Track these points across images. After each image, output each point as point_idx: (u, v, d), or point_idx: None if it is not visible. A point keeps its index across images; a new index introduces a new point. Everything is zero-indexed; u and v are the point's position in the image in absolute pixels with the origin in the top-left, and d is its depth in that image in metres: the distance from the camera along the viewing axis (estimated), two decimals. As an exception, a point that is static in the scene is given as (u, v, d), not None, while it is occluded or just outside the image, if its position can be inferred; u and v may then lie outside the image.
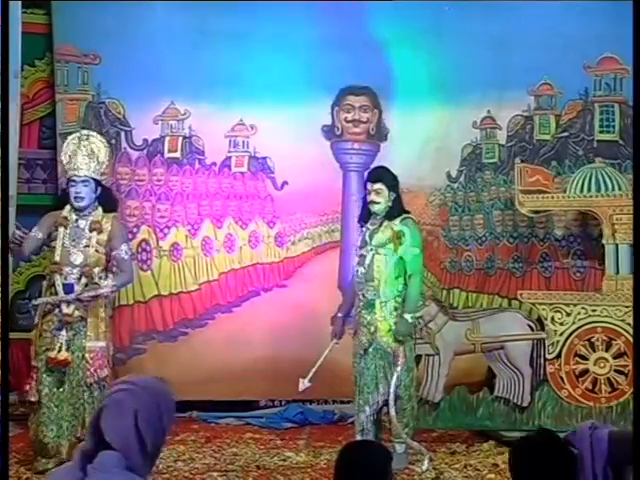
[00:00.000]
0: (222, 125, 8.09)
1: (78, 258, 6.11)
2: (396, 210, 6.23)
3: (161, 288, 8.01)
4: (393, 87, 8.09)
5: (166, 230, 8.06)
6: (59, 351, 5.98)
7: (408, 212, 6.31)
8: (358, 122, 8.20)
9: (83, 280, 6.08)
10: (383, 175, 6.28)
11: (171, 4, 7.93)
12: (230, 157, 8.15)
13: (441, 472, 6.13)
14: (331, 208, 8.20)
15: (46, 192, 8.01)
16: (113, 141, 7.95)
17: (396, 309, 6.11)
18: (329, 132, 8.19)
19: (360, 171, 8.09)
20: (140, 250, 7.89)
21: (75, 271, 6.08)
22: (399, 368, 6.08)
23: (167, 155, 8.09)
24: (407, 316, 6.09)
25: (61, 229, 6.12)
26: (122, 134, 8.01)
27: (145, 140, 8.06)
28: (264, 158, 8.15)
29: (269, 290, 8.16)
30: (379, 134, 8.20)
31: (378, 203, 6.19)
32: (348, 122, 8.20)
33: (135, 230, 7.94)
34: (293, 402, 7.90)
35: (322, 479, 5.98)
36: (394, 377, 6.07)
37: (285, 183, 8.16)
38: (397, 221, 6.17)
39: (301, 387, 6.40)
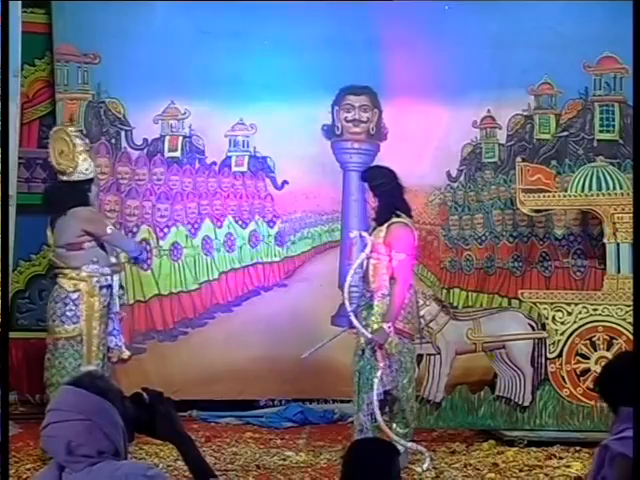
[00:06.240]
0: (222, 125, 8.10)
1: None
2: (384, 213, 6.06)
3: (161, 287, 8.01)
4: (393, 87, 8.08)
5: (166, 229, 8.06)
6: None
7: (399, 214, 6.05)
8: (358, 122, 8.19)
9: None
10: (370, 174, 6.26)
11: (171, 4, 7.93)
12: (230, 156, 8.15)
13: (441, 472, 6.11)
14: (331, 208, 8.20)
15: (46, 191, 8.01)
16: (113, 140, 7.96)
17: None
18: (329, 132, 8.19)
19: (360, 171, 8.09)
20: (140, 249, 7.89)
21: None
22: (379, 372, 5.91)
23: (167, 154, 8.09)
24: (385, 326, 5.87)
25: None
26: (122, 133, 8.01)
27: (145, 139, 8.06)
28: (264, 157, 8.15)
29: (269, 289, 8.15)
30: (379, 134, 8.19)
31: (368, 203, 6.16)
32: (348, 122, 8.20)
33: (135, 229, 7.94)
34: (293, 402, 7.89)
35: (322, 478, 5.97)
36: (375, 381, 5.91)
37: (285, 182, 8.16)
38: (385, 225, 6.00)
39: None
